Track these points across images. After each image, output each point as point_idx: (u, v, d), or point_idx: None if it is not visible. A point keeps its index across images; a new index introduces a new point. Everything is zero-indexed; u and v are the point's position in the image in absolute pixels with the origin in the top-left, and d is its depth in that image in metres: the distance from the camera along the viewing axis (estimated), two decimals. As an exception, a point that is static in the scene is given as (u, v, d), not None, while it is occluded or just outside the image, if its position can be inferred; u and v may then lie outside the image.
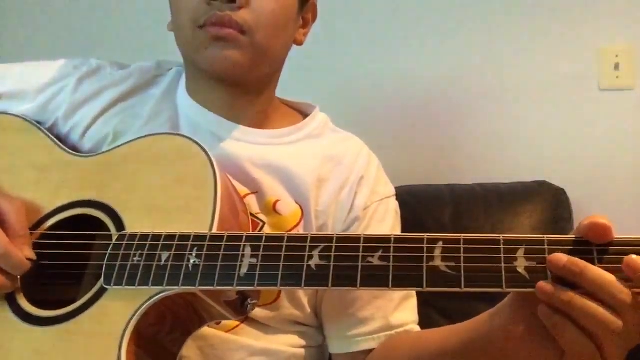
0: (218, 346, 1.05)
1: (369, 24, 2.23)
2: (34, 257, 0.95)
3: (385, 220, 1.18)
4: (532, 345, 0.79)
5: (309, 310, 1.13)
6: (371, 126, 2.12)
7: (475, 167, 2.11)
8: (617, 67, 2.10)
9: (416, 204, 1.86)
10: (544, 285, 0.74)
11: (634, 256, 0.72)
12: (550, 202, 1.88)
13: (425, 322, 1.17)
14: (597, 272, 0.73)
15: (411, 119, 2.17)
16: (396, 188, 1.89)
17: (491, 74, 2.15)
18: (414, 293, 1.17)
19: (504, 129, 2.14)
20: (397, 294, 1.13)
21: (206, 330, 1.02)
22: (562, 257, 0.74)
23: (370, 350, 1.11)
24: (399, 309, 1.13)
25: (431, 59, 2.18)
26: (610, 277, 0.73)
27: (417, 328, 1.14)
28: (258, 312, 1.07)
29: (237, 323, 1.07)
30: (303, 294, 1.12)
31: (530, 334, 0.80)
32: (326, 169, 1.16)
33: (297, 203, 1.12)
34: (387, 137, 2.13)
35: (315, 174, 1.14)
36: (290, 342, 1.13)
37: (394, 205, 1.23)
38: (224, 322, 1.05)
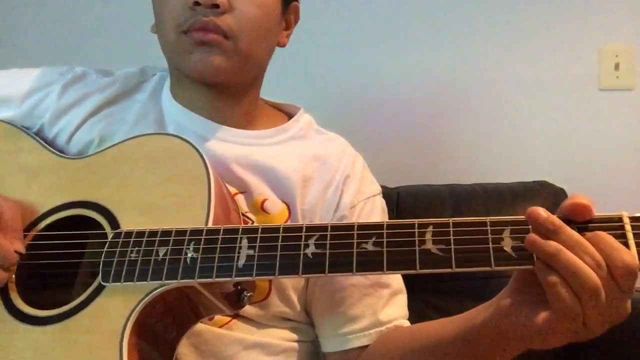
0: (212, 341, 1.06)
1: (371, 22, 2.22)
2: (22, 250, 0.96)
3: (371, 218, 1.19)
4: (519, 316, 0.82)
5: (299, 307, 1.14)
6: (371, 126, 2.14)
7: (475, 167, 2.11)
8: (617, 67, 2.10)
9: (416, 204, 1.86)
10: (534, 236, 0.77)
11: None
12: (550, 202, 1.87)
13: (424, 321, 1.17)
14: (571, 231, 0.77)
15: (411, 119, 2.16)
16: (396, 188, 1.91)
17: (491, 74, 2.15)
18: (403, 290, 1.19)
19: (504, 129, 2.14)
20: (386, 291, 1.14)
21: (199, 326, 1.02)
22: (541, 212, 0.78)
23: (363, 347, 1.12)
24: (388, 305, 1.14)
25: (431, 59, 2.17)
26: (582, 238, 0.77)
27: (407, 323, 1.15)
28: (249, 310, 1.08)
29: (229, 319, 1.08)
30: (293, 292, 1.13)
31: (517, 305, 0.83)
32: (311, 168, 1.17)
33: (283, 202, 1.13)
34: (388, 137, 2.14)
35: (301, 173, 1.15)
36: (283, 336, 1.14)
37: (380, 203, 1.24)
38: (216, 318, 1.06)
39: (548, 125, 2.12)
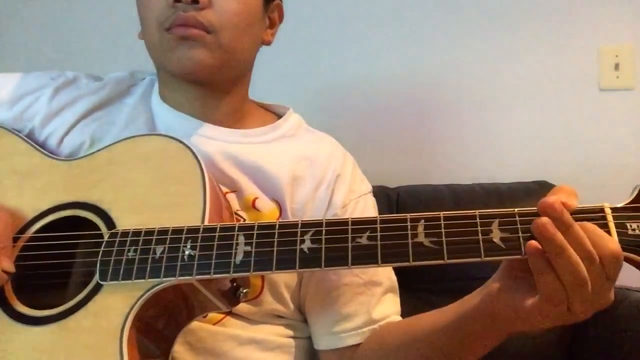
0: (206, 339, 1.07)
1: (372, 22, 2.22)
2: (11, 269, 0.96)
3: (363, 216, 1.18)
4: (510, 300, 0.85)
5: (292, 306, 1.15)
6: (371, 126, 2.15)
7: (475, 167, 2.12)
8: (617, 67, 2.10)
9: (416, 204, 1.87)
10: (546, 224, 0.79)
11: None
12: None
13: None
14: (579, 230, 0.79)
15: (412, 119, 2.17)
16: (396, 188, 1.91)
17: (491, 74, 2.15)
18: (396, 288, 1.20)
19: (504, 129, 2.14)
20: (379, 289, 1.15)
21: (193, 324, 1.03)
22: (557, 206, 0.79)
23: (356, 345, 1.12)
24: (380, 303, 1.15)
25: (431, 59, 2.18)
26: (584, 236, 0.79)
27: (399, 319, 1.16)
28: (242, 307, 1.08)
29: (222, 316, 1.08)
30: (285, 290, 1.13)
31: (507, 290, 0.86)
32: (301, 167, 1.17)
33: (273, 201, 1.14)
34: (388, 138, 2.15)
35: (290, 172, 1.16)
36: (277, 332, 1.14)
37: (371, 201, 1.25)
38: (209, 315, 1.07)
39: (548, 125, 2.12)
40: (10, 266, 0.96)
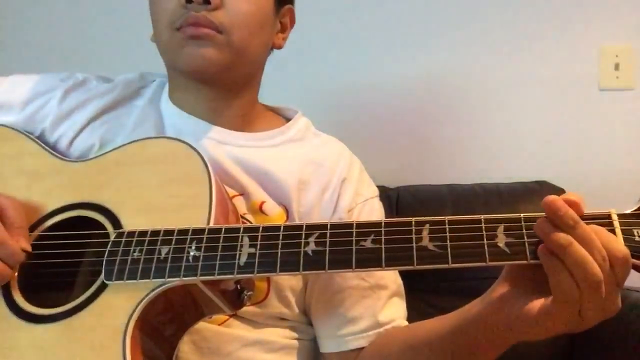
0: (211, 339, 1.07)
1: (371, 23, 2.22)
2: (29, 248, 0.97)
3: (369, 219, 1.19)
4: (513, 307, 0.85)
5: (297, 309, 1.15)
6: (372, 127, 2.15)
7: (475, 167, 2.12)
8: (617, 67, 2.11)
9: (416, 204, 1.87)
10: (547, 225, 0.80)
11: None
12: (550, 202, 1.88)
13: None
14: (586, 227, 0.80)
15: (411, 119, 2.17)
16: (396, 188, 1.92)
17: (491, 73, 2.16)
18: (402, 292, 1.20)
19: (504, 129, 2.15)
20: (385, 293, 1.16)
21: (198, 324, 1.03)
22: (561, 205, 0.80)
23: (361, 349, 1.13)
24: (386, 307, 1.15)
25: (431, 59, 2.18)
26: (593, 234, 0.79)
27: (405, 323, 1.16)
28: (247, 310, 1.09)
29: (227, 317, 1.09)
30: (291, 293, 1.14)
31: (510, 297, 0.86)
32: (307, 171, 1.18)
33: (280, 205, 1.14)
34: (388, 138, 2.15)
35: (296, 176, 1.16)
36: (282, 334, 1.15)
37: (377, 205, 1.25)
38: (214, 317, 1.07)
39: (548, 125, 2.13)
40: (28, 245, 0.97)
